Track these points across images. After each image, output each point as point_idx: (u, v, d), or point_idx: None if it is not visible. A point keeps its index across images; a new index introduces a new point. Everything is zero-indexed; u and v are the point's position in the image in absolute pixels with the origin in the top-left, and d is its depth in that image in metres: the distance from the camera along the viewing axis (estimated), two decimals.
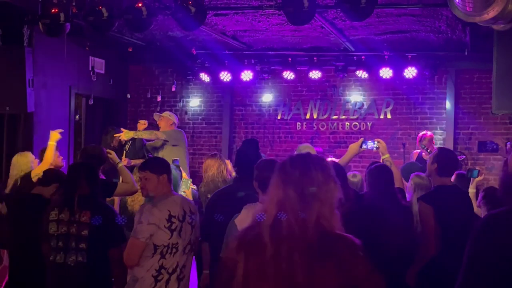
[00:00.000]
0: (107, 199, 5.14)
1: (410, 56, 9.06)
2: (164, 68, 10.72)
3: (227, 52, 9.62)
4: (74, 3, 6.05)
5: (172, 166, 5.26)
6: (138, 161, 7.60)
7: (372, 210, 4.28)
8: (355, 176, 5.77)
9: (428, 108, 9.75)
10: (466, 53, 8.44)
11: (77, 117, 9.14)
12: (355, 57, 9.30)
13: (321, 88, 10.21)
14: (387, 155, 5.23)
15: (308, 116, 10.28)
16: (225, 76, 9.93)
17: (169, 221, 4.00)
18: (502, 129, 9.37)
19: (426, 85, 9.63)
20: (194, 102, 10.81)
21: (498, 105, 6.48)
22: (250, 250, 2.32)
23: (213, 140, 10.70)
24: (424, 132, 8.50)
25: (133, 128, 10.75)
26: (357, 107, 10.06)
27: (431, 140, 8.28)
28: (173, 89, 10.40)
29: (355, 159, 8.77)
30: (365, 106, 10.03)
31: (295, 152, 6.01)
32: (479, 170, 5.86)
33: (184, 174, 6.09)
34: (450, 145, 9.42)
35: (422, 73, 9.15)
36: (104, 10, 5.78)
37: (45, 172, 5.08)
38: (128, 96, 10.64)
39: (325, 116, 10.20)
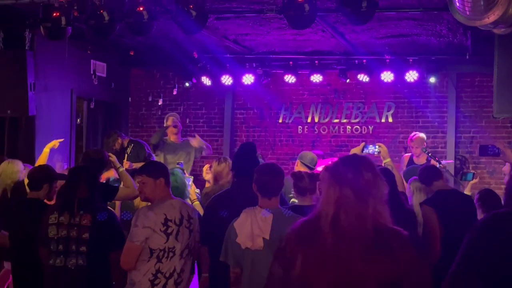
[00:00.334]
0: (108, 203, 5.14)
1: (411, 60, 9.07)
2: (166, 71, 10.73)
3: (228, 55, 9.63)
4: (75, 7, 6.06)
5: (179, 171, 5.26)
6: (139, 165, 7.59)
7: None
8: None
9: (429, 111, 9.75)
10: (467, 56, 8.45)
11: (78, 120, 9.15)
12: (356, 61, 9.30)
13: (323, 91, 10.21)
14: (388, 159, 5.24)
15: (309, 120, 10.28)
16: (227, 80, 9.94)
17: (165, 224, 3.99)
18: (503, 132, 9.37)
19: (427, 88, 9.62)
20: (195, 106, 10.81)
21: (499, 108, 6.49)
22: (310, 242, 2.56)
23: (215, 144, 10.69)
24: (413, 133, 8.45)
25: (134, 131, 10.78)
26: (358, 110, 10.06)
27: (422, 141, 8.25)
28: (175, 92, 10.42)
29: None
30: (366, 110, 10.03)
31: (299, 156, 6.04)
32: (473, 173, 5.88)
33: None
34: (451, 149, 9.42)
35: (423, 76, 9.15)
36: (105, 14, 5.79)
37: (30, 175, 5.00)
38: (129, 99, 10.66)
39: (326, 120, 10.20)
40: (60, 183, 4.94)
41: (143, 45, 9.17)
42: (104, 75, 9.65)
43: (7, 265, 5.59)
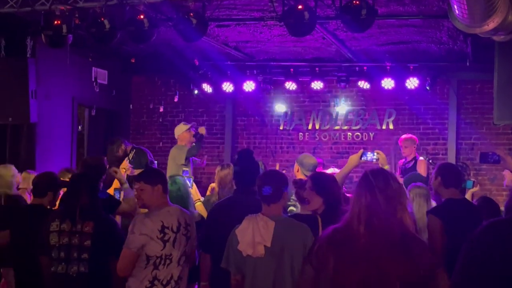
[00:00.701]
0: None
1: (412, 67, 9.08)
2: (167, 78, 10.76)
3: (229, 62, 9.66)
4: (76, 15, 6.08)
5: (181, 179, 5.26)
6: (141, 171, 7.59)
7: None
8: None
9: (430, 118, 9.75)
10: (467, 63, 8.46)
11: (79, 127, 9.17)
12: (357, 68, 9.31)
13: (323, 98, 10.22)
14: (387, 167, 5.22)
15: (310, 127, 10.29)
16: (228, 87, 9.96)
17: (162, 232, 3.99)
18: (504, 139, 9.37)
19: (428, 95, 9.62)
20: (196, 113, 10.83)
21: (500, 115, 6.49)
22: (342, 245, 2.85)
23: (216, 151, 10.71)
24: (404, 136, 8.46)
25: (135, 138, 10.80)
26: (359, 117, 10.07)
27: (413, 142, 8.24)
28: (176, 99, 10.43)
29: (356, 169, 8.77)
30: (367, 117, 10.04)
31: (298, 161, 6.01)
32: (473, 181, 5.85)
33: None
34: (452, 156, 9.42)
35: (424, 83, 9.15)
36: (106, 22, 5.81)
37: (35, 182, 5.00)
38: (131, 106, 10.69)
39: (327, 127, 10.21)
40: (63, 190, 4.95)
41: (144, 52, 9.20)
42: (106, 82, 9.67)
43: (4, 272, 5.58)
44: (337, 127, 10.17)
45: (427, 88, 9.21)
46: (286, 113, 10.39)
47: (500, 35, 5.65)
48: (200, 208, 5.84)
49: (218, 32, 7.92)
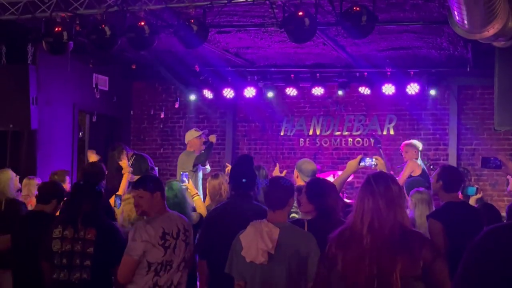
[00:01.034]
0: None
1: (412, 73, 9.09)
2: (168, 84, 10.76)
3: (230, 68, 9.67)
4: (77, 22, 6.09)
5: (177, 184, 5.24)
6: None
7: None
8: None
9: (430, 124, 9.75)
10: (468, 69, 8.46)
11: (80, 134, 9.18)
12: (357, 74, 9.32)
13: (324, 104, 10.23)
14: None
15: (311, 132, 10.29)
16: (228, 93, 9.97)
17: (163, 238, 4.00)
18: (505, 144, 9.36)
19: (428, 101, 9.62)
20: (197, 119, 10.84)
21: (500, 121, 6.50)
22: (349, 244, 3.09)
23: (217, 157, 10.70)
24: (406, 142, 8.46)
25: (136, 144, 10.80)
26: (360, 123, 10.07)
27: (411, 146, 8.25)
28: (176, 105, 10.44)
29: (357, 174, 8.77)
30: (368, 122, 10.04)
31: (297, 166, 6.01)
32: (477, 188, 5.84)
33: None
34: (453, 161, 9.40)
35: (424, 89, 9.16)
36: (107, 28, 5.82)
37: (40, 188, 5.04)
38: (132, 113, 10.69)
39: (328, 132, 10.21)
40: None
41: (145, 58, 9.21)
42: (106, 88, 9.68)
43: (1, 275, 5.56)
44: (337, 133, 10.17)
45: (432, 93, 9.21)
46: (287, 119, 10.40)
47: (501, 41, 5.66)
48: (198, 203, 5.84)
49: (219, 38, 7.93)
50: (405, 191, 5.63)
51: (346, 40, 7.67)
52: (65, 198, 4.99)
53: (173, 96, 10.68)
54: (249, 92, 9.79)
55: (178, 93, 10.57)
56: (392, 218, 3.07)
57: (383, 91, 9.23)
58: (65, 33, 5.94)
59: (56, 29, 5.95)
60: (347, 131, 10.13)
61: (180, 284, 4.10)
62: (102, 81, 9.54)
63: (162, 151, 10.82)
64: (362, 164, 5.20)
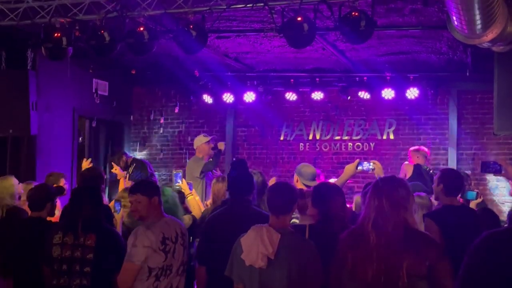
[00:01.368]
0: None
1: (412, 77, 9.09)
2: (167, 89, 10.77)
3: (229, 73, 9.68)
4: (77, 27, 6.10)
5: (169, 190, 5.23)
6: None
7: None
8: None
9: (430, 128, 9.75)
10: (467, 73, 8.45)
11: (80, 139, 9.18)
12: (357, 78, 9.32)
13: (324, 109, 10.23)
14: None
15: (310, 137, 10.29)
16: (228, 98, 9.98)
17: (163, 243, 4.02)
18: (505, 149, 9.35)
19: (428, 105, 9.63)
20: (197, 124, 10.84)
21: (500, 126, 6.50)
22: (357, 243, 3.28)
23: None
24: (417, 147, 8.48)
25: (136, 150, 10.80)
26: (359, 127, 10.07)
27: (416, 152, 8.26)
28: (176, 110, 10.46)
29: (357, 179, 8.77)
30: (367, 127, 10.04)
31: (297, 170, 6.02)
32: (477, 192, 5.83)
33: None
34: (453, 166, 9.38)
35: (424, 93, 9.16)
36: (106, 34, 5.82)
37: (31, 196, 4.96)
38: (131, 117, 10.70)
39: (327, 137, 10.21)
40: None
41: (145, 63, 9.22)
42: (106, 93, 9.69)
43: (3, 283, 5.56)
44: (337, 138, 10.17)
45: (431, 97, 9.23)
46: (286, 123, 10.40)
47: (499, 45, 5.66)
48: (192, 203, 5.86)
49: (218, 43, 7.94)
50: None
51: (345, 45, 7.68)
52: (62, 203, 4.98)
53: (173, 101, 10.70)
54: (249, 97, 9.80)
55: (178, 98, 10.57)
56: (395, 218, 3.22)
57: (383, 95, 9.24)
58: (64, 39, 5.95)
59: (55, 34, 5.95)
60: (347, 135, 10.13)
61: None
62: (102, 86, 9.54)
63: (162, 156, 10.82)
64: (359, 168, 5.22)
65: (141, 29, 5.79)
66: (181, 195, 5.99)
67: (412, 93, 9.10)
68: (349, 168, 5.25)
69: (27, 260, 4.73)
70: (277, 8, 5.64)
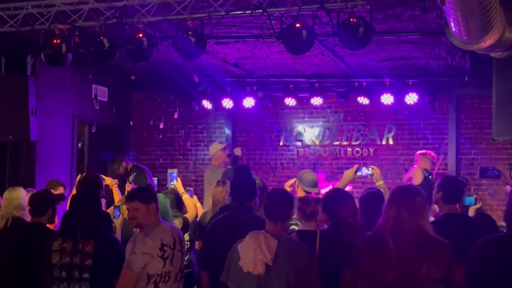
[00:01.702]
0: None
1: (411, 82, 9.10)
2: (167, 95, 10.78)
3: (229, 79, 9.69)
4: (76, 33, 6.11)
5: (161, 197, 5.24)
6: None
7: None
8: None
9: (429, 133, 9.76)
10: (466, 79, 8.46)
11: (80, 145, 9.18)
12: (356, 83, 9.34)
13: (323, 114, 10.24)
14: (381, 182, 5.26)
15: (310, 142, 10.29)
16: (227, 103, 9.99)
17: (162, 249, 4.02)
18: (504, 154, 9.36)
19: (427, 111, 9.64)
20: (196, 129, 10.85)
21: (499, 131, 6.51)
22: (375, 247, 3.44)
23: None
24: (424, 151, 8.48)
25: (135, 155, 10.80)
26: (358, 133, 10.08)
27: (433, 161, 8.28)
28: (176, 116, 10.46)
29: (356, 184, 8.78)
30: (366, 132, 10.05)
31: (298, 177, 6.03)
32: (475, 198, 5.83)
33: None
34: (452, 171, 9.41)
35: (423, 99, 9.17)
36: (105, 40, 5.83)
37: (32, 202, 4.98)
38: (131, 123, 10.71)
39: (327, 142, 10.22)
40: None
41: (144, 69, 9.23)
42: (106, 99, 9.70)
43: None
44: (337, 143, 10.18)
45: (430, 103, 9.25)
46: (286, 129, 10.41)
47: (497, 51, 5.67)
48: (187, 202, 5.88)
49: (218, 49, 7.95)
50: None
51: (344, 50, 7.69)
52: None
53: (172, 106, 10.70)
54: (248, 102, 9.82)
55: (178, 103, 10.58)
56: (414, 225, 3.39)
57: (382, 101, 9.25)
58: (63, 45, 5.95)
59: (55, 41, 5.96)
60: (346, 141, 10.14)
61: None
62: (101, 92, 9.55)
63: (161, 161, 10.82)
64: (358, 173, 5.24)
65: (141, 35, 5.80)
66: (177, 195, 6.02)
67: (411, 98, 9.11)
68: (348, 174, 5.27)
69: (28, 265, 4.73)
70: (276, 14, 5.66)
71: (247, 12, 5.53)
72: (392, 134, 9.92)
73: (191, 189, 6.68)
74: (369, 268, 3.44)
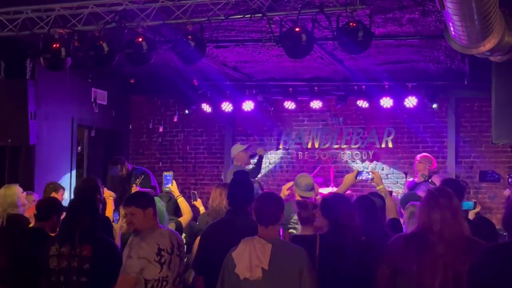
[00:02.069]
0: None
1: (410, 86, 9.11)
2: (166, 98, 10.79)
3: (228, 82, 9.70)
4: (76, 37, 6.11)
5: (157, 199, 5.24)
6: None
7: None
8: None
9: (429, 137, 9.76)
10: (465, 82, 8.47)
11: (79, 148, 9.17)
12: (355, 87, 9.34)
13: (322, 117, 10.25)
14: (381, 186, 5.27)
15: (309, 146, 10.29)
16: (227, 107, 9.99)
17: (159, 254, 4.03)
18: (503, 157, 9.35)
19: (426, 114, 9.64)
20: (196, 132, 10.85)
21: (498, 135, 6.52)
22: (421, 251, 3.49)
23: (215, 170, 10.72)
24: (420, 154, 8.48)
25: (135, 158, 10.80)
26: (358, 136, 10.08)
27: (430, 161, 8.26)
28: (175, 119, 10.46)
29: (356, 188, 8.78)
30: (366, 135, 10.05)
31: (294, 181, 6.01)
32: (475, 202, 5.84)
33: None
34: (451, 174, 9.40)
35: (422, 102, 9.18)
36: (105, 45, 5.83)
37: (39, 206, 5.01)
38: (130, 127, 10.71)
39: (326, 146, 10.22)
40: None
41: (143, 72, 9.23)
42: (105, 103, 9.70)
43: None
44: (336, 146, 10.18)
45: (434, 106, 9.26)
46: (285, 132, 10.41)
47: (497, 55, 5.68)
48: (182, 204, 5.90)
49: (217, 53, 7.96)
50: (403, 208, 5.64)
51: (344, 54, 7.69)
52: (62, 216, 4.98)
53: (171, 110, 10.70)
54: (248, 105, 9.82)
55: (177, 107, 10.59)
56: (459, 228, 3.50)
57: (381, 104, 9.26)
58: (63, 50, 5.95)
59: (54, 45, 5.95)
60: (345, 144, 10.14)
61: None
62: (100, 96, 9.55)
63: (160, 165, 10.82)
64: (359, 178, 5.26)
65: (140, 39, 5.80)
66: (171, 198, 6.02)
67: (411, 101, 9.12)
68: (348, 178, 5.28)
69: (26, 271, 4.72)
70: (275, 18, 5.66)
71: (246, 16, 5.53)
72: (391, 137, 9.92)
73: (195, 192, 6.69)
74: (417, 271, 3.47)
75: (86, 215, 4.37)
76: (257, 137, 10.57)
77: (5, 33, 6.24)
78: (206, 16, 5.71)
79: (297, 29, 5.35)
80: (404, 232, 3.77)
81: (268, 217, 3.84)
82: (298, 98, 9.76)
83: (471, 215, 5.95)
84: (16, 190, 5.88)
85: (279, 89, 9.78)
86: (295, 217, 5.12)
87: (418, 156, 8.40)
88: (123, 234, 5.39)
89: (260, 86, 9.75)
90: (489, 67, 6.55)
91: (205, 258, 4.38)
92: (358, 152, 10.07)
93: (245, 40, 7.17)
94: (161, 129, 10.69)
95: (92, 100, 9.28)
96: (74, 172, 8.85)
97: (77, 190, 5.56)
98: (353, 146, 10.10)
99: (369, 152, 10.01)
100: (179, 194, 5.97)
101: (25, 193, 6.01)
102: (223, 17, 5.63)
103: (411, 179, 8.49)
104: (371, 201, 4.59)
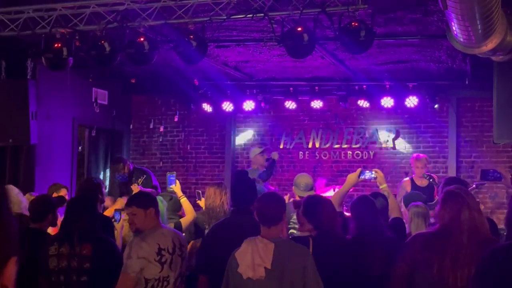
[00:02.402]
0: None
1: (411, 85, 9.10)
2: (167, 98, 10.78)
3: (229, 82, 9.69)
4: (77, 37, 6.11)
5: (159, 198, 5.25)
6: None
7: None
8: None
9: (430, 137, 9.76)
10: (467, 82, 8.46)
11: (80, 148, 9.17)
12: (356, 87, 9.33)
13: (323, 117, 10.24)
14: (384, 185, 5.26)
15: (310, 145, 10.29)
16: (227, 106, 9.99)
17: (159, 254, 4.03)
18: (504, 157, 9.35)
19: (427, 114, 9.63)
20: (196, 132, 10.85)
21: (499, 134, 6.51)
22: (445, 250, 3.51)
23: (216, 170, 10.71)
24: (416, 154, 8.45)
25: (136, 158, 10.80)
26: (359, 136, 10.07)
27: (427, 161, 8.25)
28: (176, 119, 10.46)
29: (358, 187, 8.77)
30: (367, 135, 10.05)
31: (294, 181, 6.01)
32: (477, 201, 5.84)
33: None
34: (452, 174, 9.38)
35: (423, 102, 9.17)
36: (106, 44, 5.83)
37: (32, 208, 4.97)
38: (131, 126, 10.70)
39: (327, 145, 10.21)
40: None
41: (144, 72, 9.23)
42: (106, 102, 9.69)
43: None
44: (337, 146, 10.18)
45: (436, 106, 9.26)
46: (286, 132, 10.40)
47: (499, 55, 5.68)
48: (185, 204, 5.90)
49: (218, 52, 7.95)
50: (403, 205, 5.65)
51: (345, 53, 7.69)
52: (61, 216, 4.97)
53: (172, 109, 10.70)
54: (248, 105, 9.81)
55: (178, 106, 10.58)
56: (486, 227, 3.57)
57: (382, 104, 9.25)
58: (64, 49, 5.95)
59: (56, 45, 5.95)
60: (346, 144, 10.14)
61: None
62: (101, 95, 9.55)
63: (161, 164, 10.81)
64: (362, 177, 5.25)
65: (142, 39, 5.80)
66: (172, 198, 6.02)
67: (412, 101, 9.11)
68: (351, 177, 5.27)
69: (25, 272, 4.70)
70: (277, 18, 5.66)
71: (248, 15, 5.53)
72: (392, 137, 9.91)
73: (200, 191, 6.69)
74: (439, 270, 3.50)
75: (85, 214, 4.37)
76: (257, 136, 10.56)
77: (7, 33, 6.24)
78: (208, 15, 5.71)
79: (299, 29, 5.35)
80: (423, 231, 3.76)
81: (270, 218, 3.84)
82: (299, 98, 9.74)
83: None
84: (14, 190, 5.86)
85: (280, 89, 9.78)
86: (295, 217, 5.12)
87: (416, 161, 8.32)
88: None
89: (261, 86, 9.74)
90: (490, 66, 6.54)
91: (208, 257, 4.39)
92: (359, 152, 10.06)
93: (246, 40, 7.17)
94: (161, 129, 10.68)
95: (93, 99, 9.28)
96: (75, 172, 8.85)
97: (78, 190, 5.56)
98: (354, 146, 10.10)
99: (370, 152, 10.00)
100: (182, 194, 5.97)
101: (20, 192, 6.01)
102: (225, 17, 5.63)
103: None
104: (371, 201, 4.60)
